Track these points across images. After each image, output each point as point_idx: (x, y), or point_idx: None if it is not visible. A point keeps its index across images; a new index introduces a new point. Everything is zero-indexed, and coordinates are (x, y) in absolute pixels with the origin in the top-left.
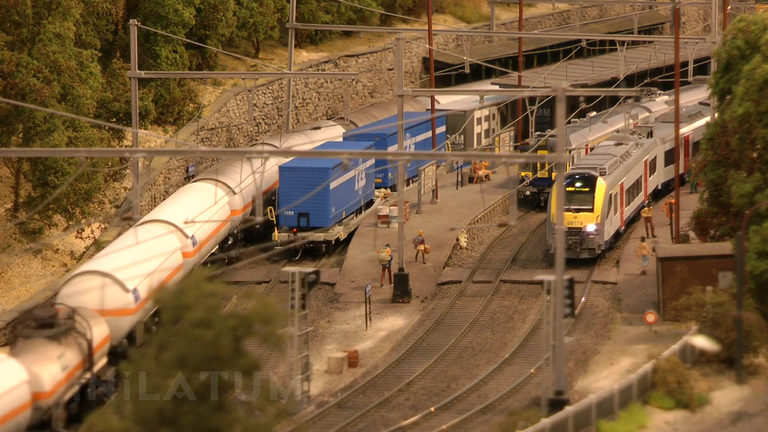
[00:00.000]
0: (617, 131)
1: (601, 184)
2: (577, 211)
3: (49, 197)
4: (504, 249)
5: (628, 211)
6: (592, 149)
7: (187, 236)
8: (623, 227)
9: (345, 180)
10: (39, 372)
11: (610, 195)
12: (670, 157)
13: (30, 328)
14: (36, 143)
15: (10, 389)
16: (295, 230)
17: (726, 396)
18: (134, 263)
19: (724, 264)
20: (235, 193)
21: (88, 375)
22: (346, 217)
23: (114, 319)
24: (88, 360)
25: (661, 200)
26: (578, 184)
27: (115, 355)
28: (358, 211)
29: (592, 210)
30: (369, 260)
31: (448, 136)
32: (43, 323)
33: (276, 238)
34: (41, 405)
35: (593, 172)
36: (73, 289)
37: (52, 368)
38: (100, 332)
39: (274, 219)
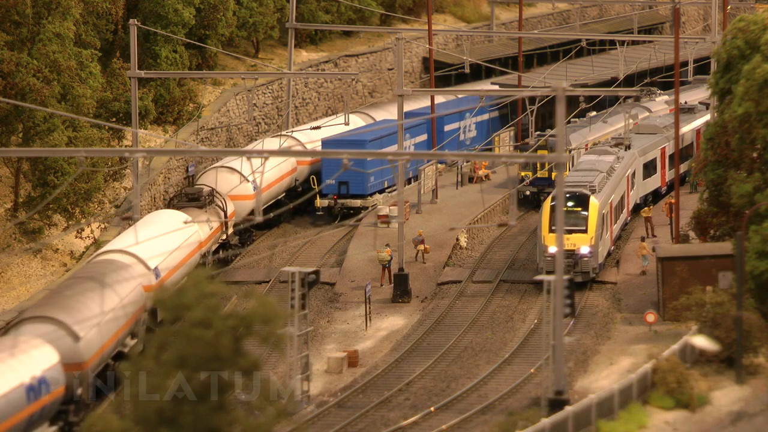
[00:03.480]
0: (596, 144)
1: (594, 203)
2: (570, 232)
3: (48, 197)
4: (504, 249)
5: (616, 229)
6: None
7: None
8: (612, 247)
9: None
10: (197, 228)
11: (603, 214)
12: (649, 169)
13: (182, 201)
14: (36, 143)
15: (192, 234)
16: (335, 197)
17: (726, 396)
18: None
19: (724, 264)
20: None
21: (224, 237)
22: (388, 187)
23: (239, 202)
24: (224, 225)
25: (660, 200)
26: (570, 204)
27: (239, 233)
28: (407, 182)
29: (585, 231)
30: (369, 260)
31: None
32: (192, 197)
33: (318, 205)
34: (202, 251)
35: (584, 191)
36: (210, 178)
37: (203, 226)
38: (230, 208)
39: (316, 187)
